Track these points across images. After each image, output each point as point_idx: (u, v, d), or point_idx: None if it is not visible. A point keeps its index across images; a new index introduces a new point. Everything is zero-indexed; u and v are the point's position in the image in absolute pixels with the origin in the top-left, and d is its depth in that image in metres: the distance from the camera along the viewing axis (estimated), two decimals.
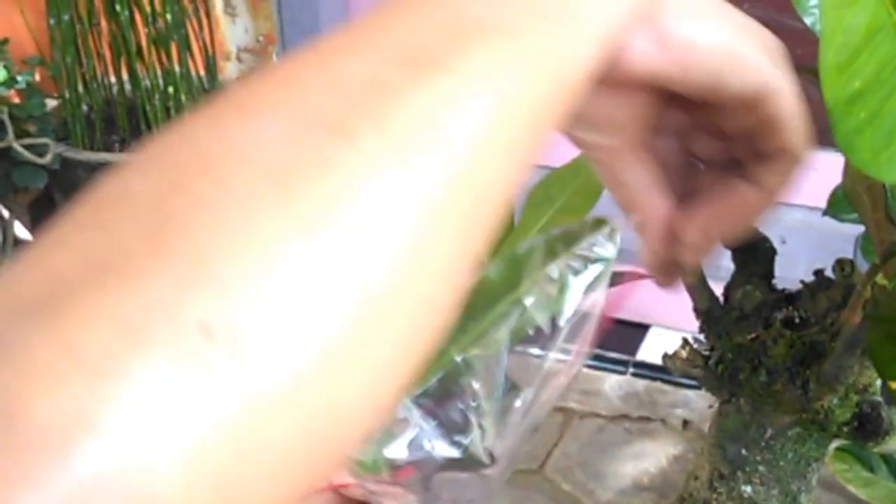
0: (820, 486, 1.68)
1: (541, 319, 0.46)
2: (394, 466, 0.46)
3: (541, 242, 0.47)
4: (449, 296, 0.29)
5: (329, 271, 0.24)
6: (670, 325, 1.87)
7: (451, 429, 0.46)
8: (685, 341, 0.79)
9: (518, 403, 0.46)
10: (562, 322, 0.46)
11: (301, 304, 0.23)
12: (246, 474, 0.23)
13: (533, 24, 0.29)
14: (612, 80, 0.34)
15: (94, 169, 1.64)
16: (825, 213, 0.94)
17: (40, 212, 1.98)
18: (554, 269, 0.46)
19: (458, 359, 0.46)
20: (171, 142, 0.26)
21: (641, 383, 1.84)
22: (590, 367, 1.87)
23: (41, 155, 1.55)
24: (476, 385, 0.46)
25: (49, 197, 1.80)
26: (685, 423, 1.76)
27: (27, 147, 1.52)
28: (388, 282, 0.25)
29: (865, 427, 0.74)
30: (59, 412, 0.20)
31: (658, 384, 1.83)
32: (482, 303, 0.47)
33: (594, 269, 0.46)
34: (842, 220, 0.94)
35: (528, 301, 0.46)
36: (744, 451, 0.77)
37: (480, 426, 0.46)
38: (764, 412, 0.75)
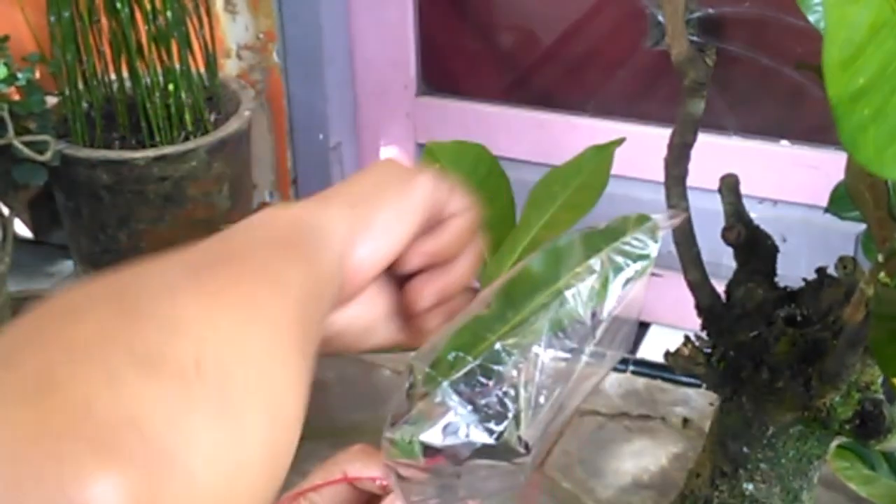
0: (821, 484, 1.68)
1: (581, 312, 0.46)
2: (428, 451, 0.46)
3: (583, 236, 0.48)
4: None
5: None
6: (671, 323, 1.87)
7: (487, 416, 0.46)
8: (687, 339, 0.79)
9: (553, 397, 0.46)
10: (602, 316, 0.46)
11: None
12: None
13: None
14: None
15: (95, 166, 1.64)
16: (826, 210, 0.94)
17: (40, 209, 1.98)
18: (596, 263, 0.46)
19: (498, 346, 0.46)
20: None
21: (641, 381, 1.84)
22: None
23: (41, 152, 1.54)
24: (514, 374, 0.46)
25: (49, 194, 1.80)
26: (685, 421, 1.76)
27: (27, 144, 1.52)
28: None
29: (867, 425, 0.74)
30: None
31: (658, 382, 1.83)
32: (522, 293, 0.47)
33: (636, 266, 0.47)
34: (843, 218, 0.94)
35: (569, 293, 0.46)
36: (745, 449, 0.77)
37: (516, 415, 0.46)
38: (766, 410, 0.75)
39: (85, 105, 1.70)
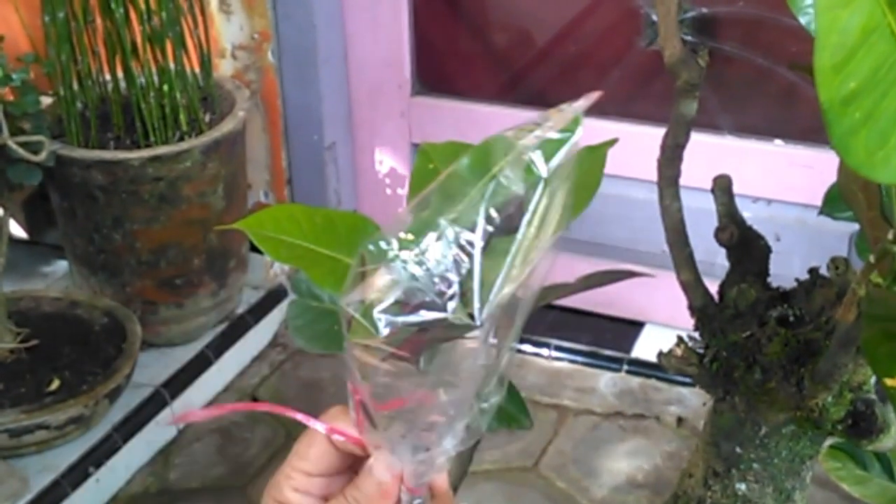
0: (814, 484, 1.68)
1: (515, 188, 0.48)
2: (383, 332, 0.48)
3: (508, 133, 0.50)
4: None
5: None
6: (665, 323, 1.87)
7: (436, 290, 0.48)
8: (680, 339, 0.79)
9: (501, 272, 0.47)
10: (535, 191, 0.48)
11: None
12: None
13: None
14: None
15: (89, 166, 1.64)
16: (821, 211, 0.94)
17: (35, 209, 1.98)
18: (523, 147, 0.48)
19: (441, 223, 0.48)
20: None
21: (636, 381, 1.84)
22: (584, 364, 1.88)
23: (36, 152, 1.54)
24: (457, 250, 0.47)
25: (43, 194, 1.80)
26: (679, 420, 1.77)
27: (22, 144, 1.52)
28: None
29: (860, 425, 0.74)
30: None
31: (652, 381, 1.83)
32: (458, 187, 0.49)
33: (561, 143, 0.49)
34: (836, 219, 0.95)
35: (501, 176, 0.48)
36: (738, 449, 0.77)
37: (463, 288, 0.47)
38: (758, 410, 0.75)
39: (80, 105, 1.70)
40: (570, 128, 0.50)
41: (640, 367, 1.86)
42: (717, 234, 0.79)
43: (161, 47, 1.66)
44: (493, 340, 0.50)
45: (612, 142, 0.87)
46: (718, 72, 1.74)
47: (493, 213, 0.48)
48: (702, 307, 0.77)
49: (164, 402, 1.73)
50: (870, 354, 0.56)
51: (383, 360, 0.48)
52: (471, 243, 0.48)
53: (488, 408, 0.51)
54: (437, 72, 1.97)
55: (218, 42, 1.86)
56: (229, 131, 1.71)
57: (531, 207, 0.48)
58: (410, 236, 0.48)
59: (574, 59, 1.89)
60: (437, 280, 0.48)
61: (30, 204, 1.96)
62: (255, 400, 1.84)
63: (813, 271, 0.77)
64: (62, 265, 1.96)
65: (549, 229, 0.49)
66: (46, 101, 1.71)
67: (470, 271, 0.48)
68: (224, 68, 1.89)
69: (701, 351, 0.78)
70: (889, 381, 0.54)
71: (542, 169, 0.49)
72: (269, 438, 1.75)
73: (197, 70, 1.74)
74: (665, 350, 0.80)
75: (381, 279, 0.48)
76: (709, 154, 1.71)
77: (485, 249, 0.48)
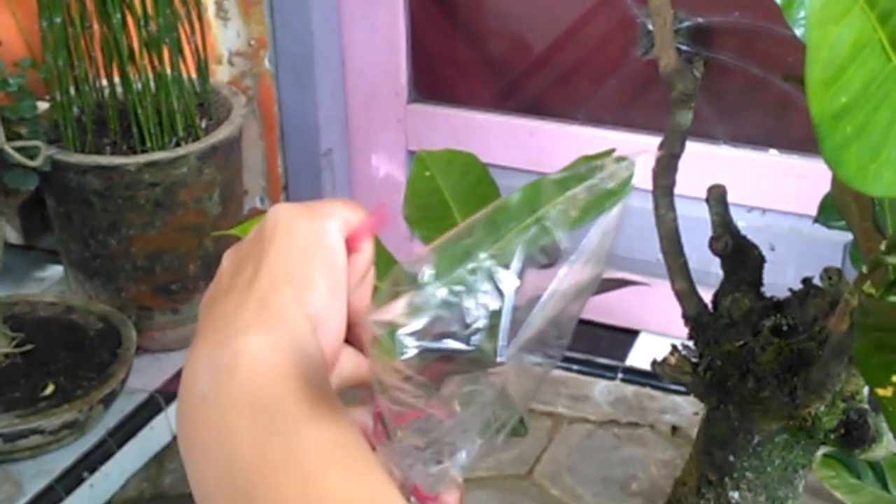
0: (807, 493, 1.69)
1: (559, 235, 0.48)
2: (406, 355, 0.48)
3: (562, 175, 0.50)
4: None
5: None
6: (659, 332, 1.87)
7: (464, 323, 0.48)
8: (674, 348, 0.79)
9: (531, 312, 0.48)
10: (579, 240, 0.49)
11: None
12: None
13: None
14: None
15: (85, 172, 1.64)
16: (815, 220, 0.95)
17: (30, 214, 1.98)
18: (573, 192, 0.49)
19: (478, 259, 0.48)
20: None
21: (630, 389, 1.85)
22: (579, 372, 1.88)
23: (32, 157, 1.55)
24: (491, 286, 0.47)
25: (39, 199, 1.80)
26: (674, 428, 1.77)
27: (18, 149, 1.52)
28: None
29: (852, 434, 0.75)
30: None
31: (647, 390, 1.83)
32: (503, 221, 0.49)
33: (612, 195, 0.49)
34: (831, 228, 0.95)
35: (548, 218, 0.48)
36: (731, 458, 0.78)
37: (492, 324, 0.47)
38: (752, 419, 0.75)
39: (76, 110, 1.70)
40: (623, 185, 0.50)
41: (635, 376, 1.86)
42: (712, 244, 0.79)
43: (158, 53, 1.66)
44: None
45: (610, 152, 0.87)
46: (714, 81, 1.74)
47: (532, 255, 0.48)
48: (696, 316, 0.78)
49: (158, 407, 1.73)
50: (862, 364, 0.56)
51: (403, 380, 0.49)
52: (505, 281, 0.48)
53: (506, 422, 0.51)
54: (433, 79, 1.97)
55: (215, 48, 1.87)
56: (225, 137, 1.71)
57: (571, 257, 0.49)
58: (446, 265, 0.49)
59: (570, 68, 1.90)
60: (466, 312, 0.48)
61: (25, 209, 1.97)
62: None
63: (806, 281, 0.77)
64: (57, 270, 1.96)
65: (585, 276, 0.49)
66: (43, 106, 1.71)
67: (500, 308, 0.48)
68: (221, 74, 1.89)
69: (695, 360, 0.78)
70: (881, 391, 0.55)
71: (586, 226, 0.49)
72: None
73: (194, 76, 1.74)
74: (659, 358, 0.80)
75: (411, 302, 0.48)
76: (704, 163, 1.72)
77: (518, 289, 0.49)
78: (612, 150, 0.88)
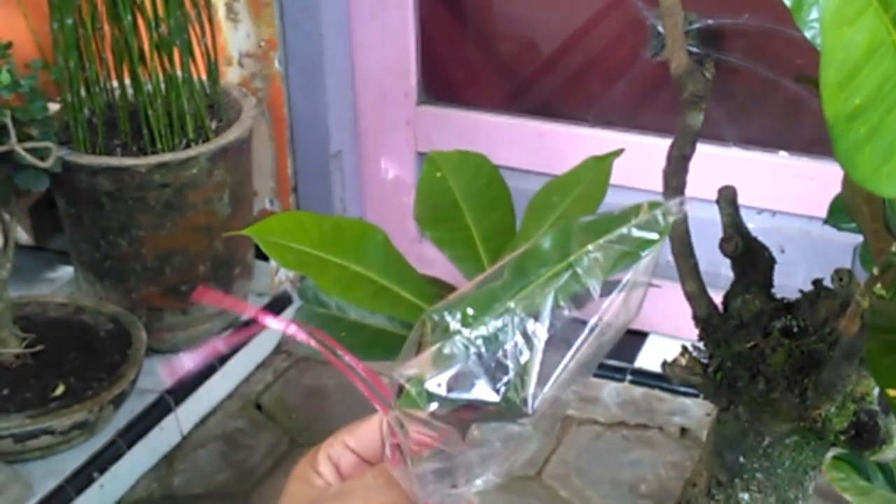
0: (817, 495, 1.68)
1: (590, 283, 0.48)
2: (431, 410, 0.48)
3: (596, 219, 0.49)
4: None
5: None
6: (669, 334, 1.87)
7: (493, 373, 0.47)
8: (684, 349, 0.79)
9: (560, 362, 0.48)
10: (610, 289, 0.48)
11: None
12: None
13: None
14: None
15: (96, 173, 1.65)
16: (825, 221, 0.95)
17: (41, 215, 1.98)
18: (606, 241, 0.48)
19: (508, 308, 0.47)
20: None
21: (639, 391, 1.85)
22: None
23: (43, 158, 1.55)
24: (521, 337, 0.47)
25: (50, 200, 1.81)
26: (683, 430, 1.77)
27: (29, 150, 1.53)
28: None
29: (862, 436, 0.75)
30: None
31: (656, 392, 1.83)
32: (533, 266, 0.48)
33: (645, 245, 0.48)
34: (841, 230, 0.95)
35: (579, 266, 0.48)
36: (741, 459, 0.78)
37: (520, 375, 0.47)
38: (762, 420, 0.76)
39: (87, 112, 1.71)
40: (659, 232, 0.49)
41: (644, 378, 1.86)
42: (722, 245, 0.79)
43: (168, 55, 1.67)
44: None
45: (618, 152, 0.87)
46: (724, 83, 1.74)
47: (562, 304, 0.48)
48: (706, 317, 0.78)
49: (168, 408, 1.74)
50: (873, 366, 0.56)
51: (426, 424, 0.48)
52: (535, 333, 0.48)
53: (522, 447, 0.51)
54: (443, 81, 1.98)
55: (225, 50, 1.87)
56: (236, 139, 1.71)
57: (603, 306, 0.48)
58: (474, 312, 0.48)
59: (580, 70, 1.90)
60: (495, 363, 0.48)
61: (36, 210, 1.97)
62: (258, 408, 1.84)
63: (817, 283, 0.77)
64: (68, 271, 1.96)
65: (616, 324, 0.49)
66: (54, 107, 1.72)
67: (530, 360, 0.48)
68: (231, 76, 1.90)
69: (705, 361, 0.78)
70: (892, 392, 0.55)
71: (617, 277, 0.49)
72: (274, 445, 1.76)
73: (204, 78, 1.74)
74: (669, 360, 0.80)
75: (438, 353, 0.48)
76: (714, 165, 1.72)
77: (548, 342, 0.48)
78: (621, 151, 0.88)
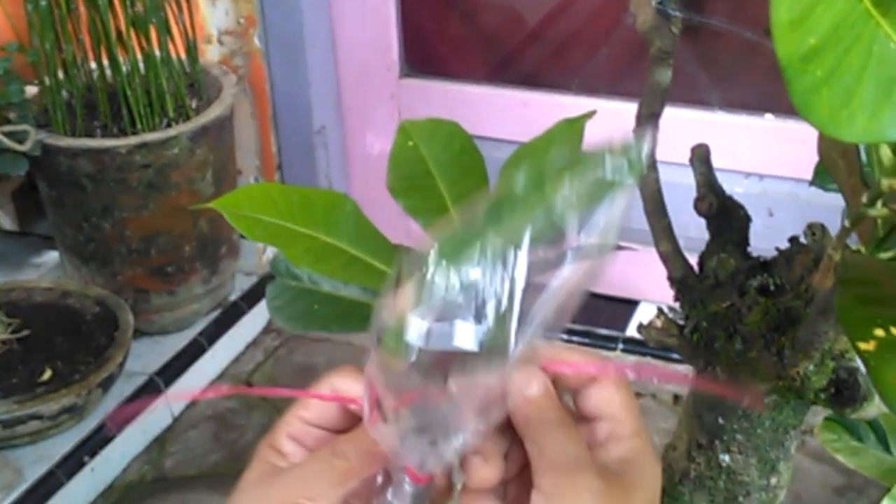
0: (809, 458, 1.68)
1: (567, 221, 0.47)
2: (412, 357, 0.47)
3: (569, 156, 0.48)
4: None
5: None
6: (659, 301, 1.86)
7: (472, 313, 0.46)
8: (660, 311, 0.78)
9: (537, 301, 0.46)
10: (587, 227, 0.47)
11: None
12: None
13: None
14: None
15: (76, 155, 1.63)
16: (811, 182, 0.93)
17: (25, 200, 1.97)
18: (580, 177, 0.47)
19: (483, 247, 0.46)
20: None
21: (631, 359, 1.84)
22: (579, 343, 1.87)
23: (21, 142, 1.54)
24: (498, 275, 0.46)
25: (33, 185, 1.80)
26: (676, 398, 1.76)
27: (7, 134, 1.51)
28: None
29: (843, 393, 0.74)
30: None
31: (648, 360, 1.82)
32: (507, 208, 0.47)
33: (620, 182, 0.47)
34: (827, 190, 0.93)
35: (554, 207, 0.47)
36: (721, 420, 0.77)
37: (500, 316, 0.46)
38: (740, 380, 0.74)
39: (65, 94, 1.69)
40: (633, 167, 0.48)
41: (636, 346, 1.85)
42: (696, 204, 0.78)
43: (145, 34, 1.65)
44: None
45: (591, 114, 0.86)
46: (707, 47, 1.73)
47: (538, 243, 0.47)
48: (681, 278, 0.77)
49: (158, 389, 1.73)
50: (843, 319, 0.55)
51: (406, 372, 0.47)
52: (517, 263, 0.47)
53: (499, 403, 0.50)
54: (425, 53, 1.96)
55: (204, 28, 1.85)
56: (217, 117, 1.70)
57: (577, 246, 0.47)
58: (452, 249, 0.47)
59: (562, 38, 1.88)
60: (474, 304, 0.47)
61: (19, 194, 1.96)
62: (249, 386, 1.83)
63: (794, 239, 0.76)
64: (54, 256, 1.95)
65: (591, 264, 0.48)
66: (32, 90, 1.70)
67: (509, 302, 0.47)
68: (211, 54, 1.88)
69: (681, 322, 0.77)
70: (863, 346, 0.54)
71: (595, 212, 0.47)
72: (265, 424, 1.75)
73: (183, 56, 1.73)
74: (646, 322, 0.79)
75: (419, 288, 0.47)
76: (699, 130, 1.70)
77: (528, 276, 0.47)
78: (593, 113, 0.87)
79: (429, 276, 0.47)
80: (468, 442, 0.49)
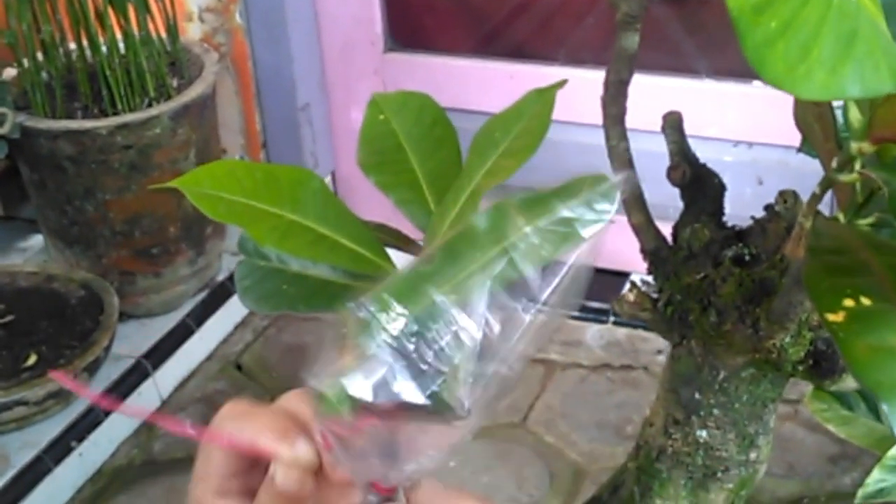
0: (804, 428, 1.66)
1: (527, 270, 0.43)
2: (358, 409, 0.44)
3: (535, 195, 0.45)
4: None
5: None
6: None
7: (422, 373, 0.43)
8: (633, 284, 0.76)
9: (497, 356, 0.44)
10: (549, 275, 0.44)
11: None
12: None
13: None
14: None
15: (57, 137, 1.61)
16: (799, 149, 0.91)
17: (8, 184, 1.95)
18: (546, 222, 0.44)
19: (437, 300, 0.43)
20: None
21: (622, 331, 1.82)
22: (570, 317, 1.85)
23: (0, 125, 1.52)
24: (452, 330, 0.43)
25: (16, 169, 1.78)
26: None
27: None
28: None
29: (821, 365, 0.72)
30: None
31: (639, 332, 1.81)
32: (467, 250, 0.44)
33: (588, 226, 0.44)
34: (814, 157, 0.91)
35: (516, 251, 0.44)
36: (697, 395, 0.75)
37: (453, 373, 0.43)
38: (716, 354, 0.73)
39: (45, 75, 1.67)
40: (604, 210, 0.44)
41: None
42: (670, 173, 0.76)
43: (124, 13, 1.63)
44: None
45: (562, 83, 0.84)
46: (693, 14, 1.70)
47: (498, 293, 0.43)
48: (654, 250, 0.75)
49: (146, 372, 1.72)
50: (812, 289, 0.53)
51: (351, 429, 0.45)
52: (467, 330, 0.44)
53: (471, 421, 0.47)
54: (409, 27, 1.93)
55: (184, 5, 1.83)
56: (198, 95, 1.67)
57: (542, 298, 0.44)
58: (398, 303, 0.44)
59: (548, 9, 1.85)
60: (422, 362, 0.44)
61: (3, 178, 1.94)
62: (238, 368, 1.82)
63: (769, 207, 0.74)
64: (39, 240, 1.93)
65: (556, 315, 0.45)
66: (10, 72, 1.68)
67: (461, 360, 0.44)
68: (192, 32, 1.85)
69: (655, 295, 0.75)
70: (831, 317, 0.52)
71: (560, 259, 0.44)
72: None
73: (163, 34, 1.70)
74: (619, 296, 0.77)
75: (359, 353, 0.44)
76: (687, 98, 1.68)
77: (483, 338, 0.44)
78: (564, 82, 0.85)
79: (372, 335, 0.44)
80: (432, 461, 0.47)
